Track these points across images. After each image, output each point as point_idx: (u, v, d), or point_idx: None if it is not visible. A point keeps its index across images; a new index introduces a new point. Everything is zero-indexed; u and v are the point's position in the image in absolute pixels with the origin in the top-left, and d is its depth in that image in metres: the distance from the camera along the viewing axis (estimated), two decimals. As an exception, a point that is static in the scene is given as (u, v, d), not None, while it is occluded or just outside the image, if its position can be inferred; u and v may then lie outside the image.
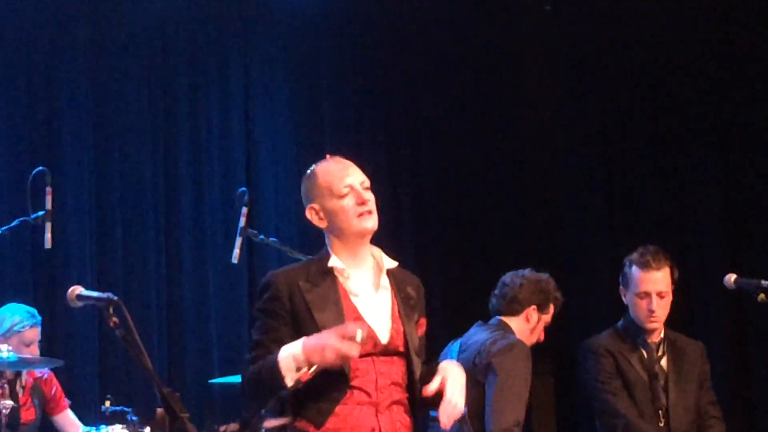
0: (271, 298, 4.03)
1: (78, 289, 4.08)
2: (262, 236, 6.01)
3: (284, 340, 3.94)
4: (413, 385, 4.06)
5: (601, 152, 8.54)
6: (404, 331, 4.06)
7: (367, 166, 4.39)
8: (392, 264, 4.16)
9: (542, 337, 5.80)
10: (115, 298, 3.95)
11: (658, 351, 5.74)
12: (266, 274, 4.14)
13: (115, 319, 3.90)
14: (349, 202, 4.08)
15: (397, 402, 4.03)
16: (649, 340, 5.73)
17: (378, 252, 4.17)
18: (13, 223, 5.69)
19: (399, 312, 4.09)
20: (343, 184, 4.10)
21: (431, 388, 4.00)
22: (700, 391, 5.78)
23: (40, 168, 5.75)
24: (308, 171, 4.22)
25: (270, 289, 4.05)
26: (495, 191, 8.55)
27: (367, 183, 4.16)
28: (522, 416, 5.42)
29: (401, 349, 4.05)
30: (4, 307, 6.49)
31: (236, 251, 5.94)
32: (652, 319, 5.70)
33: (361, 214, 4.08)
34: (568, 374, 7.15)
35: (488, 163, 8.58)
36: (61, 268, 7.45)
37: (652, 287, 5.66)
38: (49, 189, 5.68)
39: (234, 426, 6.24)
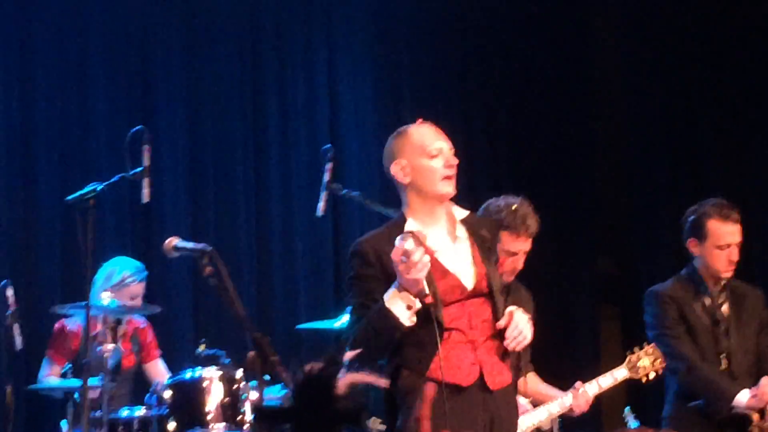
0: (362, 265, 4.16)
1: (175, 240, 4.28)
2: (345, 190, 6.06)
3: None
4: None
5: (666, 113, 8.53)
6: (486, 274, 4.22)
7: (445, 125, 4.55)
8: (464, 214, 4.30)
9: (518, 266, 5.44)
10: (210, 248, 4.09)
11: (719, 298, 5.80)
12: (353, 244, 4.26)
13: (209, 268, 4.05)
14: (438, 163, 4.22)
15: (491, 338, 4.20)
16: (711, 288, 5.79)
17: (449, 205, 4.31)
18: (113, 179, 5.61)
19: (480, 257, 4.24)
20: (436, 146, 4.24)
21: (501, 323, 4.16)
22: (760, 335, 5.84)
23: (138, 127, 5.68)
24: (398, 130, 4.33)
25: (359, 256, 4.18)
26: (567, 154, 8.62)
27: (453, 151, 4.28)
28: None
29: (486, 290, 4.21)
30: (114, 260, 6.58)
31: (321, 204, 5.99)
32: (730, 268, 5.76)
33: (445, 178, 4.22)
34: (635, 321, 7.27)
35: (559, 130, 8.61)
36: (158, 221, 7.60)
37: (733, 239, 5.73)
38: (146, 147, 5.61)
39: (318, 365, 6.41)
